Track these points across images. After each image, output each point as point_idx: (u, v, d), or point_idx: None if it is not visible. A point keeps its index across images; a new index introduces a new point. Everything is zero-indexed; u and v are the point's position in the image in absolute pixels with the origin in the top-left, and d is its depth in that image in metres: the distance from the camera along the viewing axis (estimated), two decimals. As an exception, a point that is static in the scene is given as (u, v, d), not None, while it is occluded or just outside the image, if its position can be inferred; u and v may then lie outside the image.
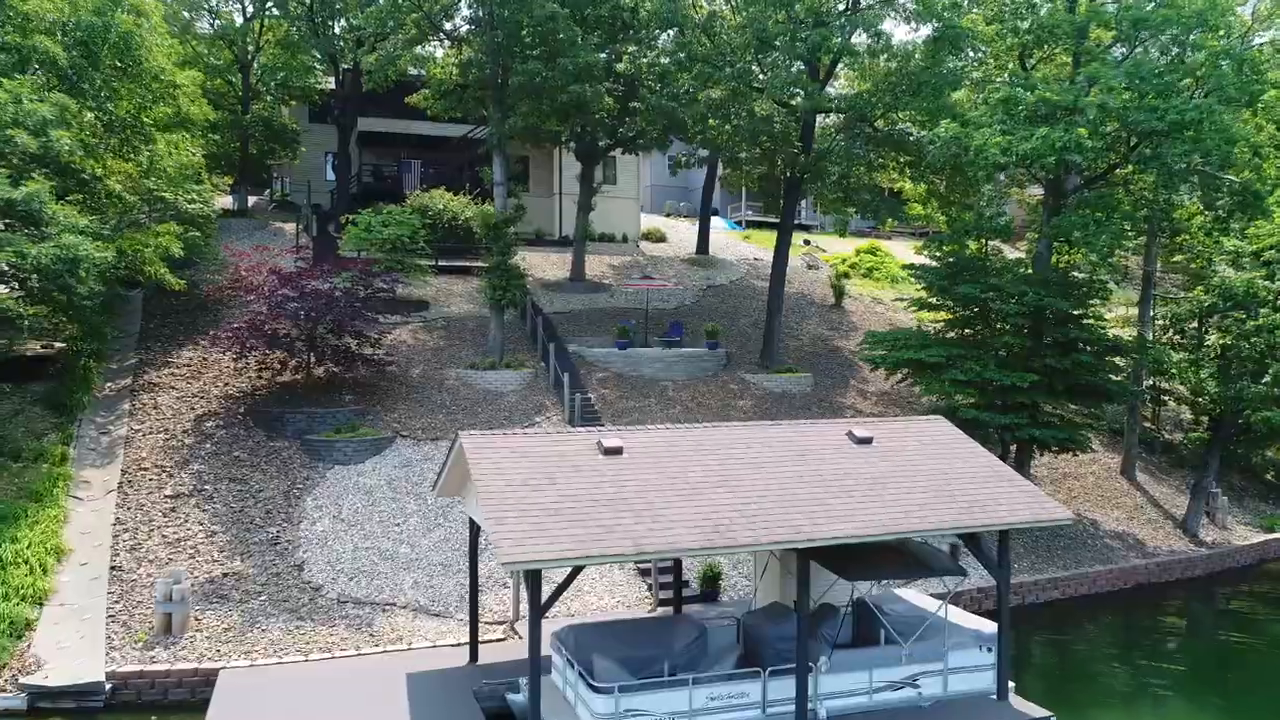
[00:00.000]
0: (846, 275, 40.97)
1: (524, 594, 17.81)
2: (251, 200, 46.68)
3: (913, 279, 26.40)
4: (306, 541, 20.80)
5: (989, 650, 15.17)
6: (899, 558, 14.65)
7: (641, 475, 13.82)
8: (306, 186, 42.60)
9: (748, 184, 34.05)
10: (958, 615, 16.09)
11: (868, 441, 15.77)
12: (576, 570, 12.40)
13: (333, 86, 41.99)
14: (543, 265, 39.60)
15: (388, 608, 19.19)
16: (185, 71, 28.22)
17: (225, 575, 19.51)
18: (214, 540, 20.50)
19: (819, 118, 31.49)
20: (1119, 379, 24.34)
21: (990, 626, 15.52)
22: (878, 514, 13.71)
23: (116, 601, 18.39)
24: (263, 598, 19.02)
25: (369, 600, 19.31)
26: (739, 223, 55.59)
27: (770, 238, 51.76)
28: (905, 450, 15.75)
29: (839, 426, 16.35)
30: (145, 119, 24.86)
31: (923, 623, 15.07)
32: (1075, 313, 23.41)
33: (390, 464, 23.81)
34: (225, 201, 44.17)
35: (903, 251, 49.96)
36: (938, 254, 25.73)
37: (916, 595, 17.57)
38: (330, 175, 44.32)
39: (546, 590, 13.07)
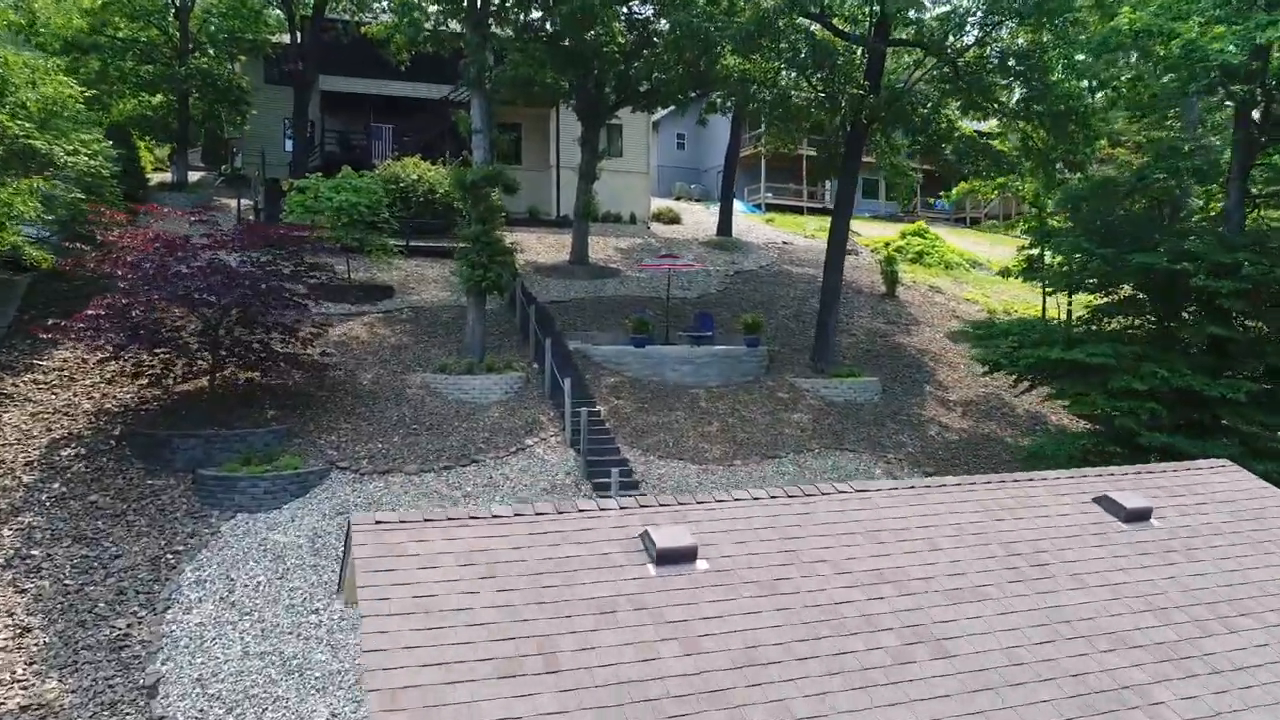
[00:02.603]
0: (892, 260, 33.16)
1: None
2: (206, 176, 38.84)
3: (1048, 250, 18.66)
4: (171, 642, 12.95)
5: None
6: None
7: (742, 615, 6.06)
8: (260, 157, 34.64)
9: (789, 145, 26.31)
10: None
11: (1144, 517, 8.03)
12: None
13: (290, 41, 34.15)
14: (537, 247, 31.82)
15: (283, 765, 11.39)
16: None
17: (25, 709, 11.67)
18: (24, 644, 12.65)
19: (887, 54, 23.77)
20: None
21: None
22: (1253, 698, 5.97)
23: None
24: (77, 752, 11.20)
25: (253, 752, 11.50)
26: (758, 205, 47.84)
27: (795, 221, 44.03)
28: (1217, 534, 8.01)
29: (1074, 484, 8.59)
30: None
31: None
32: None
33: (317, 511, 15.99)
34: (168, 176, 36.42)
35: (949, 238, 42.25)
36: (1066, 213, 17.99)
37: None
38: (291, 146, 36.47)
39: None
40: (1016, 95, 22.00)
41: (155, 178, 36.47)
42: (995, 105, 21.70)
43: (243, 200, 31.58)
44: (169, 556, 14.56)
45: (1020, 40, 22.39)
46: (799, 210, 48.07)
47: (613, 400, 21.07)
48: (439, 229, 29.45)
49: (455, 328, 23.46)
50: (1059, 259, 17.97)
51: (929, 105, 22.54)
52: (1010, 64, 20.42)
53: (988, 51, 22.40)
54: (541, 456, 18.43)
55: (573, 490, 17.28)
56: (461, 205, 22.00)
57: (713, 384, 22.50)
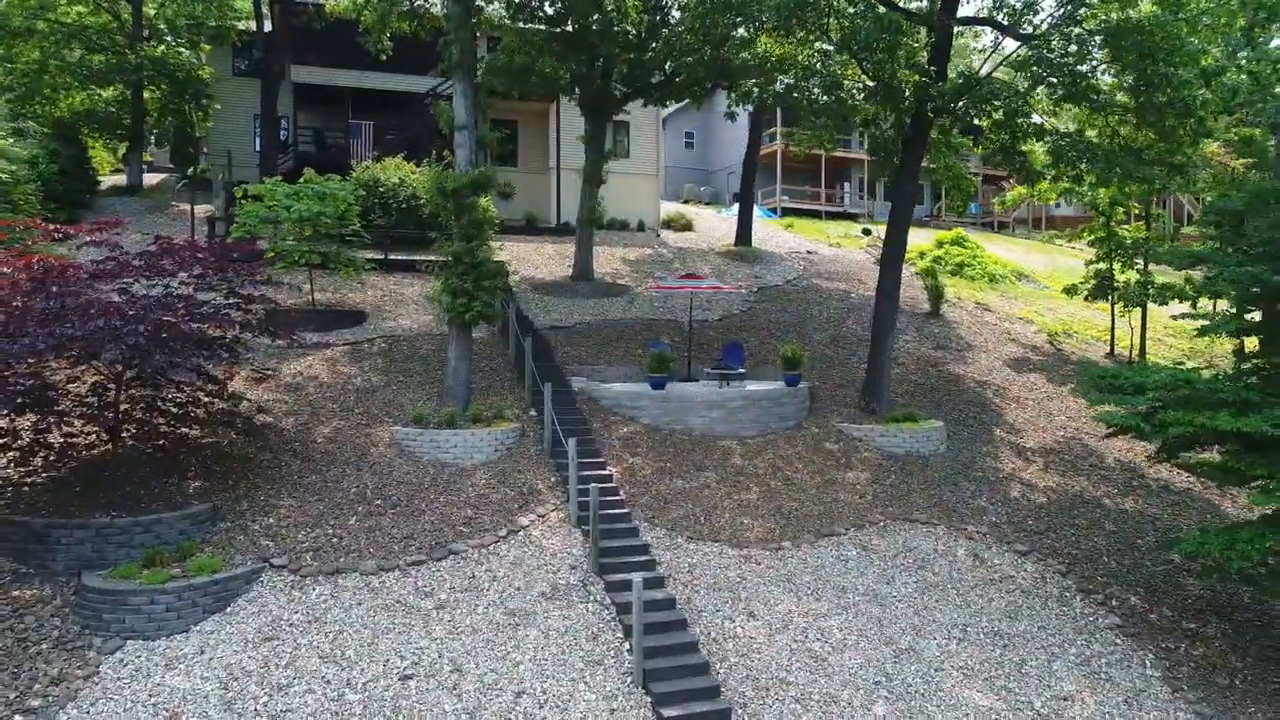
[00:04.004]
0: (934, 274, 28.71)
1: None
2: (168, 179, 34.41)
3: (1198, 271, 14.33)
4: None
5: None
6: None
7: None
8: (226, 157, 30.21)
9: (826, 143, 21.91)
10: None
11: None
12: None
13: (258, 28, 29.65)
14: (535, 259, 27.45)
15: None
16: None
17: None
18: None
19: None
20: None
21: None
22: None
23: None
24: None
25: None
26: (773, 209, 43.48)
27: (815, 227, 39.57)
28: None
29: None
30: None
31: None
32: None
33: (238, 636, 11.59)
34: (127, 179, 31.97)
35: (988, 245, 37.83)
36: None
37: None
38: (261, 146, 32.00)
39: None
40: (1109, 82, 17.68)
41: (111, 180, 32.09)
42: (1096, 95, 17.27)
43: (203, 206, 27.22)
44: (17, 719, 10.17)
45: (1110, 15, 18.06)
46: (817, 214, 43.76)
47: (627, 458, 16.69)
48: (424, 240, 25.06)
49: (437, 362, 19.08)
50: (1232, 292, 13.50)
51: (1005, 96, 18.12)
52: (1123, 43, 16.00)
53: (1076, 31, 18.04)
54: (539, 541, 14.05)
55: (579, 592, 12.92)
56: (441, 216, 17.64)
57: (747, 433, 18.14)
